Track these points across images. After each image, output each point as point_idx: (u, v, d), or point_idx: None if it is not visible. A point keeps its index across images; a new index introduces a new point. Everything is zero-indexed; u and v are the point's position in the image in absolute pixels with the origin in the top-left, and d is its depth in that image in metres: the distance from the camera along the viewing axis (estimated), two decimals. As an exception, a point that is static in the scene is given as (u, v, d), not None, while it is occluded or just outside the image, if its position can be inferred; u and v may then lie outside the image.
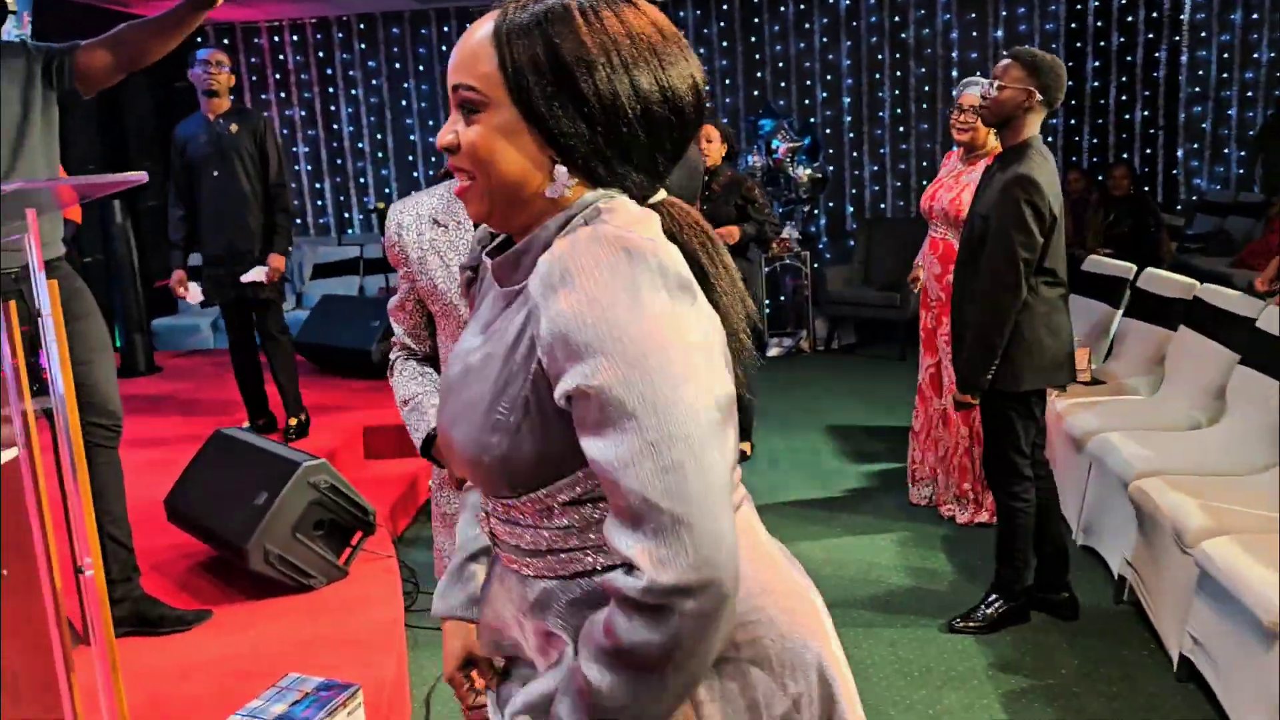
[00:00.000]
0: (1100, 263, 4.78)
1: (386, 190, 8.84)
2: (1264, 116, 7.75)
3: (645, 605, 0.90)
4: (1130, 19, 7.87)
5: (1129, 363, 4.33)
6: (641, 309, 0.92)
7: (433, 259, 1.84)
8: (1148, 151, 7.97)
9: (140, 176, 1.76)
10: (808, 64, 8.35)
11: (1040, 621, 3.25)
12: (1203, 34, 7.86)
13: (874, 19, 8.18)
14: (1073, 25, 7.93)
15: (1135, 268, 4.50)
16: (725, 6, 8.33)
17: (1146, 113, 7.99)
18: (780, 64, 8.34)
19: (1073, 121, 8.08)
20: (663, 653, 0.92)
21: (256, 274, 4.39)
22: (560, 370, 0.94)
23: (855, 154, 8.42)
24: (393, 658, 2.68)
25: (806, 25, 8.29)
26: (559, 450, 0.99)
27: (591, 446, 0.93)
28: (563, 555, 1.05)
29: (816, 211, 8.25)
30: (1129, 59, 7.92)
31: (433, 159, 8.78)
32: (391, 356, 1.92)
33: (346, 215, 8.98)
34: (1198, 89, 7.94)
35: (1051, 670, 2.98)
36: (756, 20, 8.32)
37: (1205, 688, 2.76)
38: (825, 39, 8.28)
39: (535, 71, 0.99)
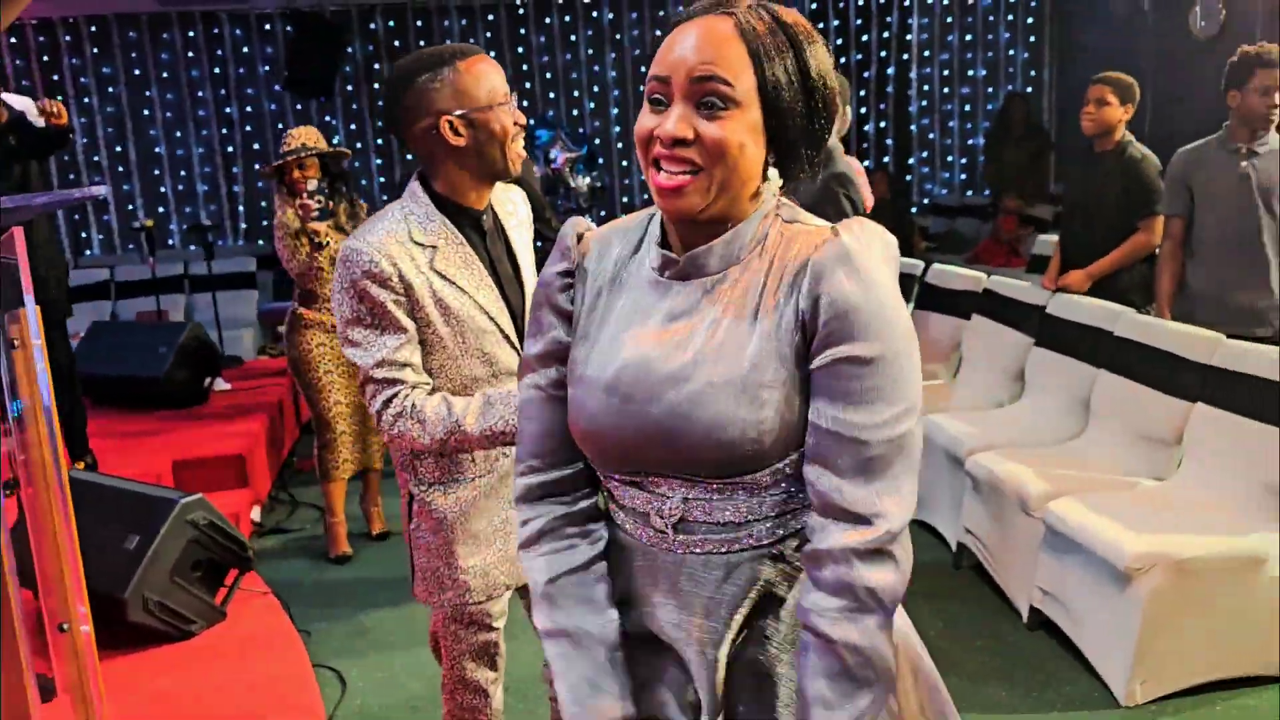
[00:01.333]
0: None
1: (130, 207, 8.13)
2: (981, 128, 8.72)
3: (883, 552, 1.08)
4: (865, 38, 8.61)
5: (927, 352, 4.78)
6: (899, 298, 1.08)
7: (438, 281, 1.77)
8: (885, 160, 8.74)
9: (99, 191, 1.60)
10: (575, 75, 8.51)
11: (897, 591, 3.54)
12: (926, 53, 8.73)
13: (636, 32, 8.47)
14: (817, 43, 8.59)
15: (923, 264, 4.97)
16: (492, 17, 8.34)
17: (882, 124, 8.78)
18: (548, 75, 8.45)
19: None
20: (895, 596, 1.08)
21: None
22: (834, 341, 1.07)
23: (625, 163, 8.68)
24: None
25: (572, 37, 8.46)
26: (802, 419, 1.10)
27: (844, 410, 1.07)
28: (772, 521, 1.14)
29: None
30: (865, 75, 8.66)
31: (206, 169, 8.16)
32: (406, 404, 1.76)
33: (84, 235, 8.17)
34: (925, 103, 8.81)
35: (923, 633, 3.26)
36: (523, 31, 8.39)
37: (1055, 632, 3.14)
38: (591, 50, 8.48)
39: (788, 84, 1.08)
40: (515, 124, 1.80)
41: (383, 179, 8.40)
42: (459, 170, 1.81)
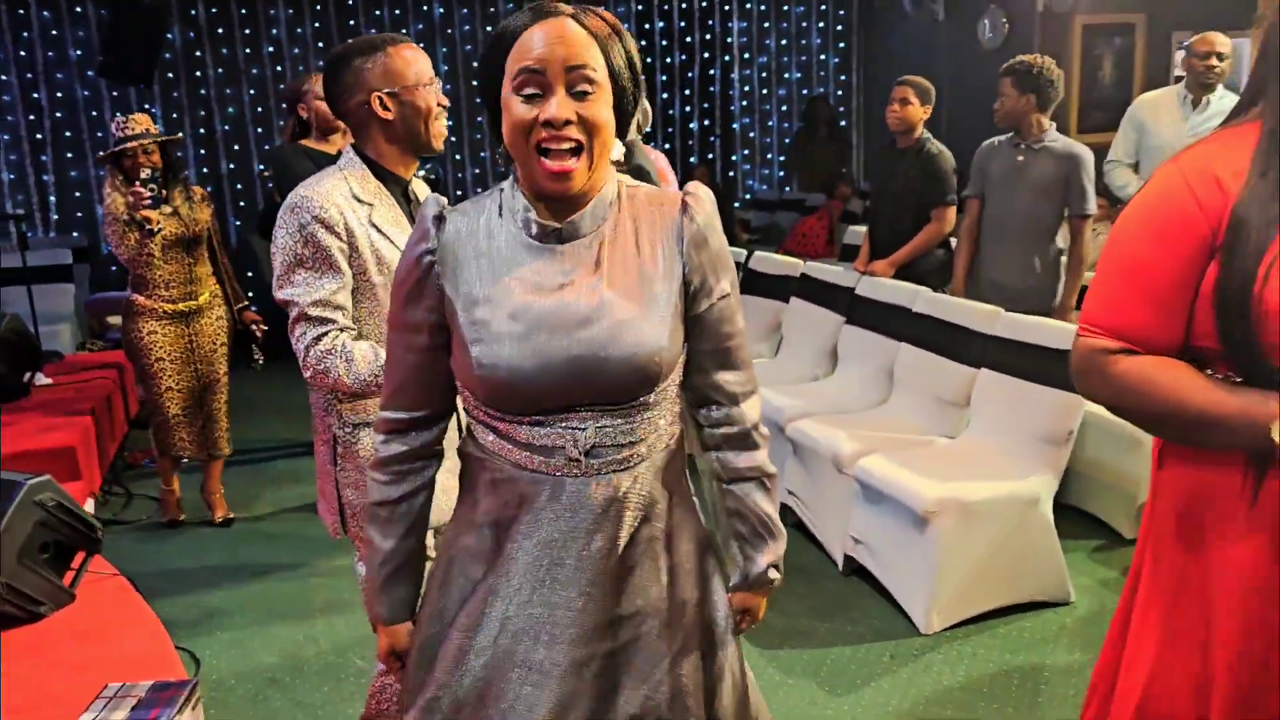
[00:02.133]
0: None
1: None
2: (797, 127, 9.24)
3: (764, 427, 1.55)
4: (689, 40, 8.99)
5: (751, 332, 5.13)
6: None
7: (375, 234, 2.00)
8: (709, 157, 9.14)
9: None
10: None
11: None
12: (746, 55, 9.18)
13: (467, 27, 8.56)
14: (643, 42, 8.88)
15: (746, 252, 5.33)
16: (319, 7, 8.25)
17: (706, 122, 9.17)
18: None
19: (648, 130, 9.04)
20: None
21: None
22: (713, 282, 1.42)
23: (458, 156, 8.75)
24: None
25: (404, 29, 8.46)
26: (679, 342, 1.43)
27: (727, 329, 1.45)
28: (662, 433, 1.44)
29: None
30: (690, 75, 9.04)
31: (12, 157, 7.72)
32: (336, 342, 1.97)
33: None
34: (745, 103, 9.26)
35: (750, 584, 3.57)
36: (352, 23, 8.34)
37: (866, 576, 3.50)
38: (422, 44, 8.48)
39: (623, 68, 1.34)
40: (439, 104, 2.05)
41: (205, 169, 8.17)
42: (387, 143, 2.06)
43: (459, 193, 8.79)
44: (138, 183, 3.82)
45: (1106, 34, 7.47)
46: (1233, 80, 4.68)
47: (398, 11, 8.41)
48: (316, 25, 8.26)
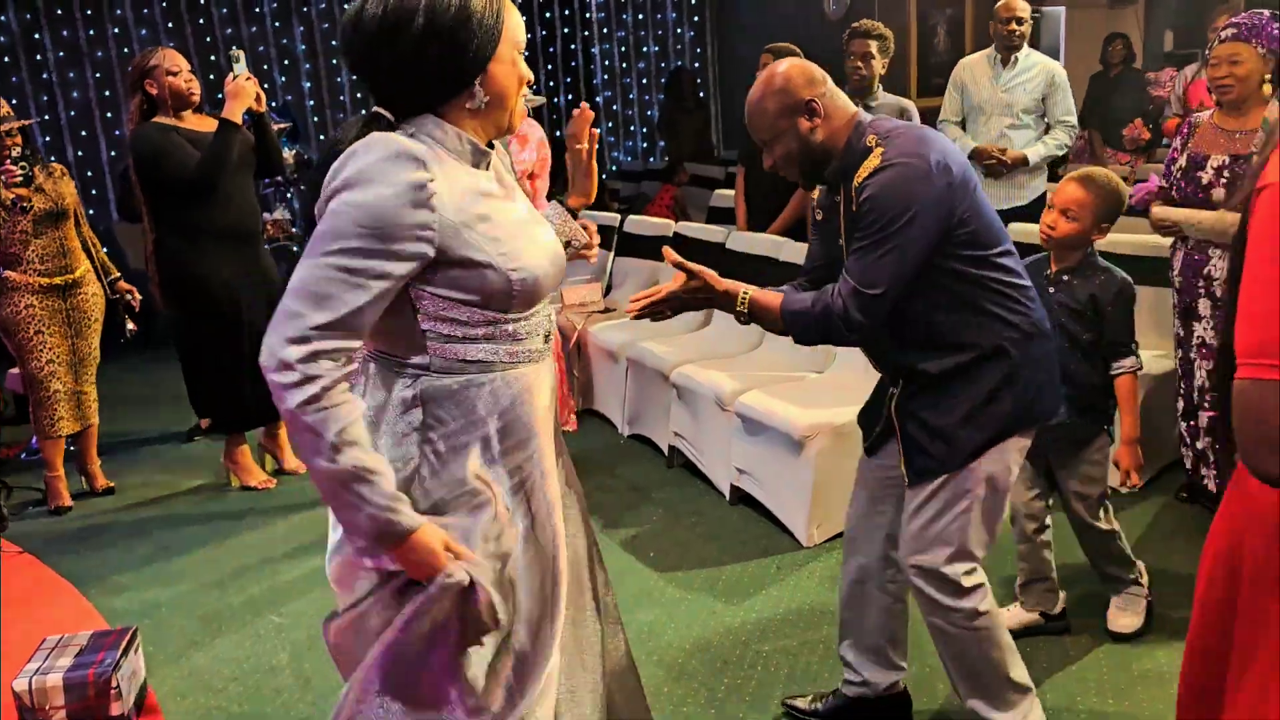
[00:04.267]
0: (592, 215, 5.79)
1: None
2: (657, 100, 9.52)
3: None
4: (549, 15, 9.14)
5: (630, 290, 5.37)
6: None
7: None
8: (574, 129, 9.32)
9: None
10: (262, 48, 8.41)
11: (624, 494, 4.10)
12: (605, 30, 9.39)
13: (323, 5, 8.49)
14: (503, 19, 9.00)
15: (620, 216, 5.56)
16: (169, -13, 8.06)
17: (570, 97, 9.36)
18: (233, 47, 8.27)
19: (512, 104, 9.17)
20: None
21: None
22: None
23: (321, 136, 8.68)
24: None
25: (257, 9, 8.34)
26: None
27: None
28: None
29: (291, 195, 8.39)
30: (551, 50, 9.20)
31: None
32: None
33: None
34: (606, 77, 9.49)
35: (646, 520, 3.83)
36: (204, 2, 8.17)
37: (752, 504, 3.80)
38: (278, 24, 8.41)
39: None
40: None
41: (52, 158, 7.89)
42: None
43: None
44: (8, 162, 3.86)
45: (939, 4, 7.97)
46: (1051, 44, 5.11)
47: (251, -10, 8.27)
48: (164, 5, 8.06)
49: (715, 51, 9.77)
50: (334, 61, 8.52)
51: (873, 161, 1.96)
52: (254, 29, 8.34)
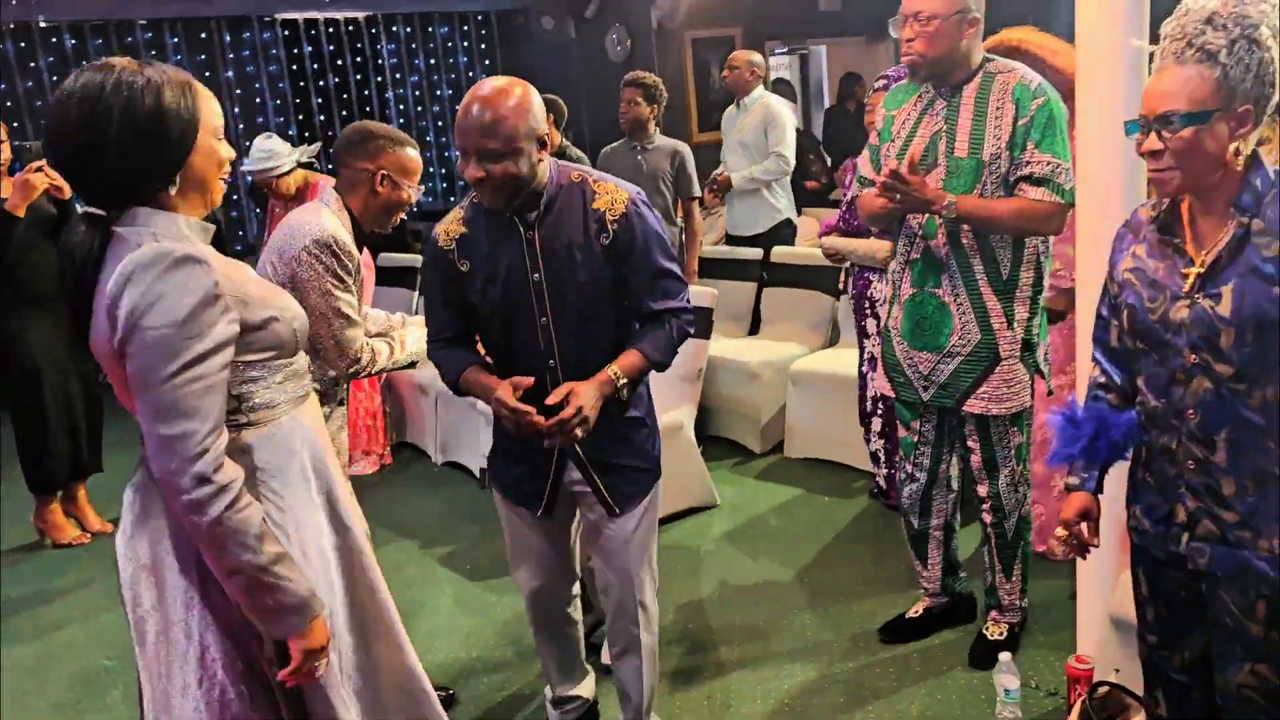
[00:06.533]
0: (397, 257, 6.06)
1: None
2: (454, 143, 9.81)
3: None
4: (340, 62, 9.30)
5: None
6: None
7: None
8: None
9: None
10: (38, 104, 8.21)
11: (441, 514, 4.38)
12: (397, 75, 9.63)
13: (103, 57, 8.36)
14: (294, 67, 9.09)
15: (422, 258, 5.86)
16: None
17: (367, 141, 9.52)
18: (9, 103, 8.06)
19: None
20: None
21: None
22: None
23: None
24: None
25: (32, 64, 8.15)
26: None
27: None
28: None
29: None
30: (345, 96, 9.36)
31: None
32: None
33: None
34: (402, 121, 9.72)
35: (463, 536, 4.13)
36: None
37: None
38: (56, 79, 8.22)
39: None
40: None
41: None
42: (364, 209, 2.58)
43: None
44: None
45: (712, 45, 8.66)
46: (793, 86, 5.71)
47: (23, 45, 8.09)
48: (-68, 62, 7.77)
49: (508, 93, 10.16)
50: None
51: (620, 195, 2.22)
52: (30, 83, 8.14)
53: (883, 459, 3.96)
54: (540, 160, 2.15)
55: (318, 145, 5.02)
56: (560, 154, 5.19)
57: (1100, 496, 1.89)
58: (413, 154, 2.56)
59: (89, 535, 4.41)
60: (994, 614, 2.98)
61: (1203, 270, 1.68)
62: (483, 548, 4.01)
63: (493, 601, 3.55)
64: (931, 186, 2.56)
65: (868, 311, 3.82)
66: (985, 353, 2.67)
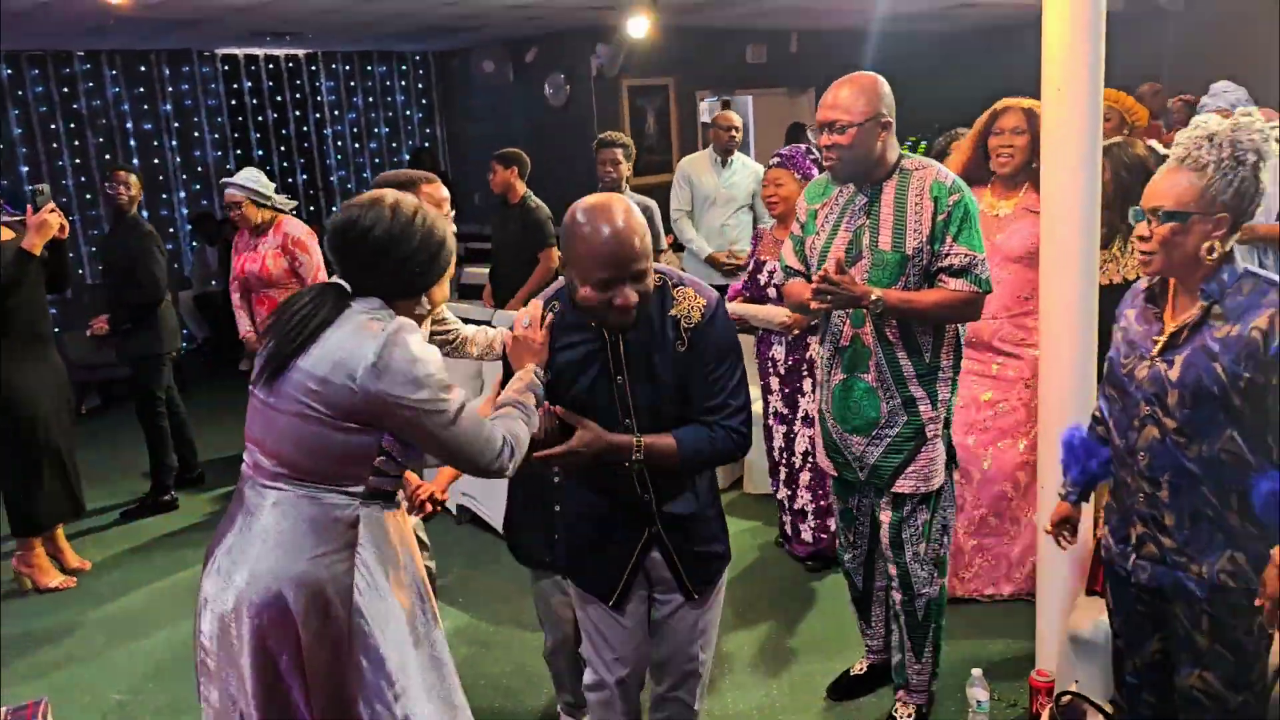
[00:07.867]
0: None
1: None
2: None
3: None
4: (280, 98, 9.40)
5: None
6: None
7: None
8: (312, 209, 9.60)
9: None
10: (-24, 133, 8.10)
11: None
12: (336, 113, 9.76)
13: (39, 88, 8.30)
14: (233, 102, 9.15)
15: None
16: None
17: (305, 177, 9.63)
18: (38, 185, 7.92)
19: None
20: None
21: None
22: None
23: (43, 222, 8.43)
24: None
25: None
26: None
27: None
28: None
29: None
30: (284, 132, 9.45)
31: None
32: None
33: None
34: (340, 157, 9.84)
35: (446, 571, 4.34)
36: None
37: (480, 524, 4.40)
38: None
39: None
40: None
41: None
42: None
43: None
44: None
45: (647, 93, 9.05)
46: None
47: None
48: None
49: (444, 132, 10.38)
50: (54, 145, 8.35)
51: (697, 303, 2.16)
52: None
53: (787, 506, 4.14)
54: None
55: (295, 204, 5.22)
56: (522, 203, 5.50)
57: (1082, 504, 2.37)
58: (443, 189, 2.82)
59: (74, 580, 4.45)
60: (901, 694, 3.02)
61: (1165, 339, 2.07)
62: (471, 581, 4.23)
63: (490, 631, 3.78)
64: (860, 284, 2.63)
65: (770, 370, 4.08)
66: (911, 433, 2.76)
